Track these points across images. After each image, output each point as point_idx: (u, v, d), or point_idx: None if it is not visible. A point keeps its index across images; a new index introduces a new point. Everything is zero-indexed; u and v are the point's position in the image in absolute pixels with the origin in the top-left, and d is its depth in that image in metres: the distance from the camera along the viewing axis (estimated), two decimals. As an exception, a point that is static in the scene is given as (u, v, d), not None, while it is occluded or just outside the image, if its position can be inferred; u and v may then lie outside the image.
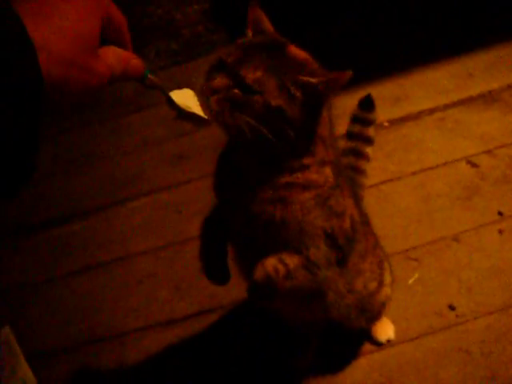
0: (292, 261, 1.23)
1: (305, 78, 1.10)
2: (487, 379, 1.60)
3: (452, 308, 1.75)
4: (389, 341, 1.70)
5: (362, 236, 1.42)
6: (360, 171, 1.74)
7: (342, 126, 1.79)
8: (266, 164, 1.18)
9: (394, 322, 1.72)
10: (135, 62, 0.85)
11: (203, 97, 1.07)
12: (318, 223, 1.21)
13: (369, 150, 1.75)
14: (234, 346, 1.76)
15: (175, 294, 1.91)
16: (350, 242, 1.31)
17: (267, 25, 1.20)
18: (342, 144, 1.75)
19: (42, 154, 2.28)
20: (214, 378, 1.71)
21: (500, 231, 1.90)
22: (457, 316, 1.73)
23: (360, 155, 1.74)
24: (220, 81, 1.09)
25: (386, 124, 2.26)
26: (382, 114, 2.26)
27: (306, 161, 1.18)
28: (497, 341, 1.67)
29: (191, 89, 1.07)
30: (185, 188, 2.20)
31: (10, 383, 1.55)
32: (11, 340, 1.59)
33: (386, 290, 1.60)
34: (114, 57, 0.80)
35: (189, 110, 1.02)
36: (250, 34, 1.19)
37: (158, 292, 1.93)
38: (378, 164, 1.94)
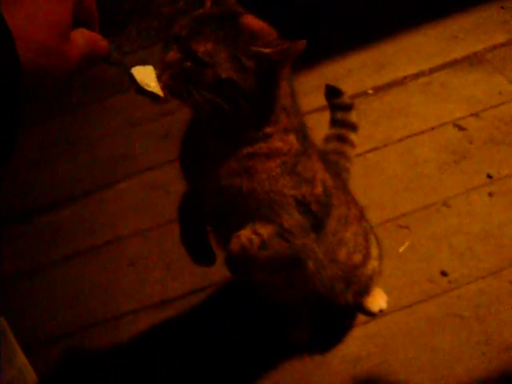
0: (266, 230, 1.23)
1: (257, 49, 1.10)
2: (482, 343, 1.60)
3: (444, 274, 1.74)
4: (381, 310, 1.69)
5: (339, 201, 1.41)
6: (345, 156, 1.73)
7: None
8: (229, 136, 1.18)
9: (386, 290, 1.71)
10: (102, 43, 0.87)
11: (157, 72, 1.08)
12: (287, 192, 1.21)
13: (353, 136, 1.74)
14: (229, 322, 1.76)
15: (167, 275, 1.90)
16: (324, 207, 1.31)
17: None
18: (326, 131, 1.74)
19: (27, 142, 2.25)
20: (209, 357, 1.70)
21: (490, 194, 1.89)
22: (449, 282, 1.73)
23: (345, 141, 1.73)
24: (173, 55, 1.10)
25: (371, 92, 2.23)
26: (366, 81, 2.25)
27: (268, 130, 1.18)
28: (490, 305, 1.67)
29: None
30: (171, 167, 2.16)
31: (8, 373, 1.55)
32: (6, 330, 1.58)
33: (373, 264, 1.59)
34: (84, 40, 0.81)
35: (147, 87, 1.05)
36: (208, 4, 1.18)
37: (150, 273, 1.92)
38: (364, 132, 1.92)
